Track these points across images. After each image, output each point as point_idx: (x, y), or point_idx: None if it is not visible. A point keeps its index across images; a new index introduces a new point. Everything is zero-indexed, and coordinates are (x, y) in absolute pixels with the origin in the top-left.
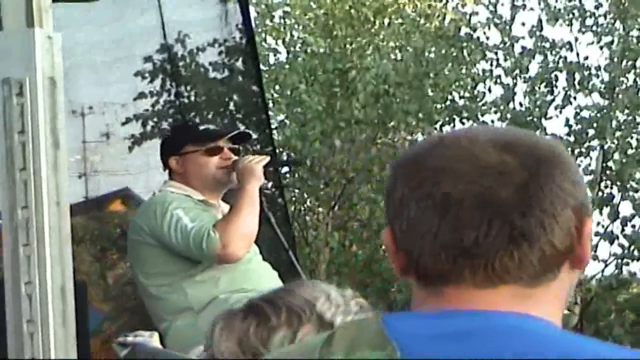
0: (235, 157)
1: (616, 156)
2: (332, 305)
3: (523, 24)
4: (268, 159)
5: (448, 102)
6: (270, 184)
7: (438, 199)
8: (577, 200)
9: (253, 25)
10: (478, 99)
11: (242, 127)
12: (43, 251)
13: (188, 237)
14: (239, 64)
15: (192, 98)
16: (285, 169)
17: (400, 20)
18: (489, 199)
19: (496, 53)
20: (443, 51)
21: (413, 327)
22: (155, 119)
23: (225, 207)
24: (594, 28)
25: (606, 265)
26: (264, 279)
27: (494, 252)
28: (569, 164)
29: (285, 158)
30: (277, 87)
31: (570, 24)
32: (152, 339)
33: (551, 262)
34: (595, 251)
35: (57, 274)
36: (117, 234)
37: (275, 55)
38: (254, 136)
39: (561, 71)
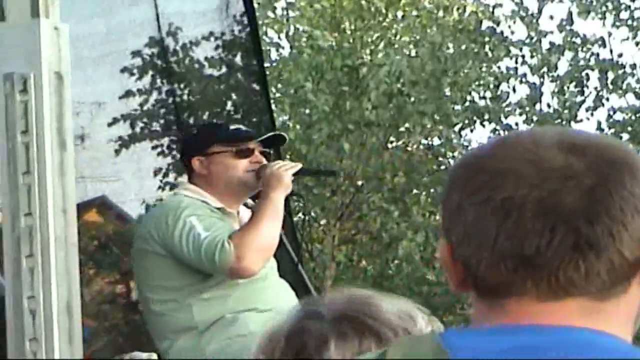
0: (265, 162)
1: None
2: (427, 323)
3: (551, 18)
4: (299, 166)
5: (468, 103)
6: None
7: (497, 203)
8: None
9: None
10: (501, 100)
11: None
12: (48, 263)
13: (200, 248)
14: (238, 59)
15: (186, 97)
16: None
17: (415, 13)
18: (552, 204)
19: (521, 49)
20: (463, 47)
21: (473, 342)
22: (144, 120)
23: (245, 216)
24: (630, 22)
25: None
26: (281, 298)
27: (557, 262)
28: None
29: (318, 167)
30: (279, 85)
31: (604, 18)
32: None
33: (620, 274)
34: None
35: (63, 288)
36: (93, 247)
37: (277, 50)
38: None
39: (593, 69)
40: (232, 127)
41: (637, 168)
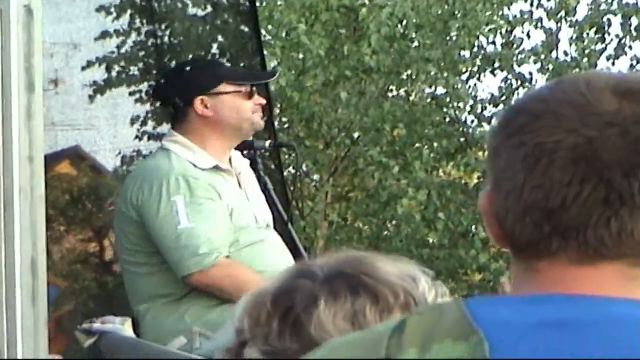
0: (262, 101)
1: None
2: (431, 286)
3: None
4: None
5: (477, 49)
6: (269, 143)
7: (529, 149)
8: None
9: None
10: (514, 46)
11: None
12: (11, 216)
13: (173, 237)
14: None
15: (167, 38)
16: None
17: None
18: (586, 153)
19: None
20: None
21: (503, 313)
22: (122, 63)
23: (243, 165)
24: None
25: None
26: (275, 258)
27: (585, 218)
28: None
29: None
30: (270, 27)
31: None
32: (123, 327)
33: None
34: None
35: (28, 244)
36: (65, 202)
37: None
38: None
39: (615, 14)
40: (227, 64)
41: None
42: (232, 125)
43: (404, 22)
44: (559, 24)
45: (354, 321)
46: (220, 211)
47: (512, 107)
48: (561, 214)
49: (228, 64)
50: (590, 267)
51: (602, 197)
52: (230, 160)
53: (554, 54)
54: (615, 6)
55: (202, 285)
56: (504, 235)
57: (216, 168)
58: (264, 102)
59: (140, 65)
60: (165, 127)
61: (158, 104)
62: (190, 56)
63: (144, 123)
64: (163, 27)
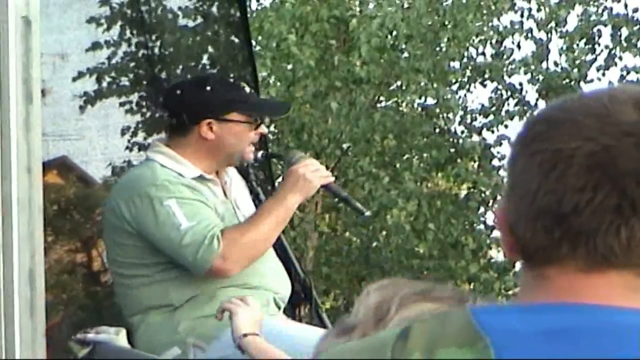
0: (264, 131)
1: None
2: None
3: None
4: (331, 179)
5: (467, 60)
6: (260, 153)
7: (546, 155)
8: None
9: None
10: (504, 57)
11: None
12: (9, 227)
13: (180, 239)
14: (215, 9)
15: (158, 49)
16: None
17: None
18: (603, 159)
19: (528, 1)
20: None
21: (509, 321)
22: (112, 74)
23: (230, 174)
24: None
25: None
26: (272, 275)
27: (596, 224)
28: None
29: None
30: (260, 37)
31: None
32: (118, 337)
33: None
34: None
35: (26, 255)
36: (53, 212)
37: None
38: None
39: (605, 25)
40: (246, 89)
41: None
42: (227, 153)
43: (394, 33)
44: (549, 35)
45: (383, 300)
46: (207, 208)
47: (532, 117)
48: (572, 218)
49: (247, 89)
50: (597, 275)
51: (614, 204)
52: (217, 171)
53: (544, 65)
54: (605, 17)
55: (226, 271)
56: (514, 242)
57: (201, 177)
58: (265, 131)
59: (131, 75)
60: (155, 138)
61: (155, 113)
62: (181, 67)
63: (135, 134)
64: (153, 37)
